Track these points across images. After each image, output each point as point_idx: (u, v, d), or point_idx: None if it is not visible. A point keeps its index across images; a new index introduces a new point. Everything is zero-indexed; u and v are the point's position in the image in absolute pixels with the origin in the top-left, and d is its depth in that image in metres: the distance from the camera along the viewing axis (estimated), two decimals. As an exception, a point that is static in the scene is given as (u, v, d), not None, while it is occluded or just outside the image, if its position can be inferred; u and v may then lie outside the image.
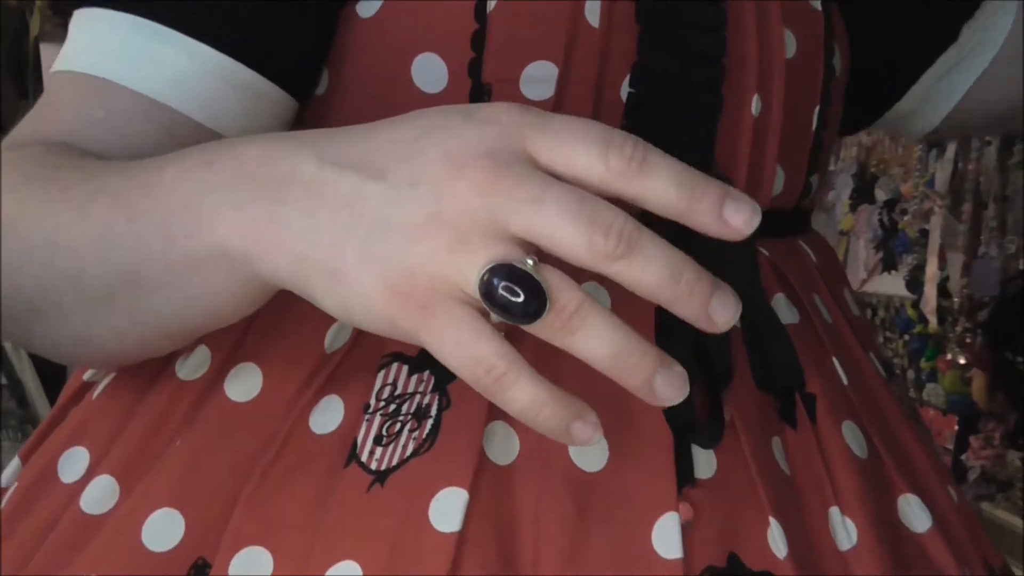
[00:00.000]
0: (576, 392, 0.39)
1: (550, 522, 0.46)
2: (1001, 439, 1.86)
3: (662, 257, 0.37)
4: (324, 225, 0.39)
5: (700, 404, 0.52)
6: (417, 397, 0.50)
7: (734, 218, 0.37)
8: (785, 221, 0.62)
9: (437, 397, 0.49)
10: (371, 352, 0.51)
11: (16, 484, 0.56)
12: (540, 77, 0.53)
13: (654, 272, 0.37)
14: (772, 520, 0.49)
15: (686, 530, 0.48)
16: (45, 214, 0.47)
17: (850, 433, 0.55)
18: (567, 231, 0.36)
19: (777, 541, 0.49)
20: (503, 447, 0.48)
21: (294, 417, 0.50)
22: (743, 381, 0.54)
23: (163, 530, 0.49)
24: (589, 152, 0.38)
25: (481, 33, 0.53)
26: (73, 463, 0.54)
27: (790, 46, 0.59)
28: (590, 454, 0.49)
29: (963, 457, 1.87)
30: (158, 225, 0.43)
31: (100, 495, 0.52)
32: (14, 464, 0.59)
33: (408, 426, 0.49)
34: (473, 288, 0.37)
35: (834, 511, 0.52)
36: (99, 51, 0.53)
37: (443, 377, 0.50)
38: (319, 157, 0.40)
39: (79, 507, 0.52)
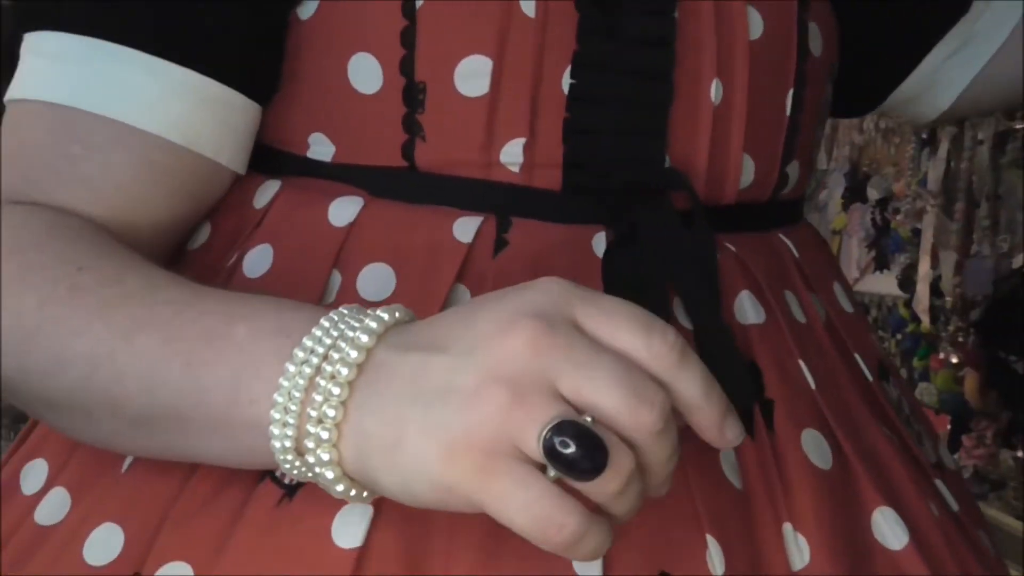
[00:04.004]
0: None
1: (465, 537, 0.45)
2: (994, 438, 1.86)
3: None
4: (388, 401, 0.40)
5: None
6: None
7: (728, 432, 0.42)
8: (759, 214, 0.59)
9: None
10: None
11: None
12: (474, 72, 0.51)
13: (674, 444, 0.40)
14: (710, 538, 0.47)
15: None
16: (81, 331, 0.46)
17: (812, 441, 0.52)
18: (614, 399, 0.38)
19: (714, 560, 0.47)
20: None
21: None
22: None
23: (104, 545, 0.49)
24: (634, 332, 0.40)
25: (411, 29, 0.52)
26: (34, 475, 0.54)
27: (755, 27, 0.56)
28: None
29: (956, 456, 1.87)
30: (223, 383, 0.43)
31: (53, 507, 0.52)
32: None
33: None
34: (533, 446, 0.38)
35: (787, 527, 0.49)
36: (60, 78, 0.52)
37: None
38: (389, 345, 0.41)
39: (33, 519, 0.52)
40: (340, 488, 0.42)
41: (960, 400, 1.89)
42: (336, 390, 0.40)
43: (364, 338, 0.41)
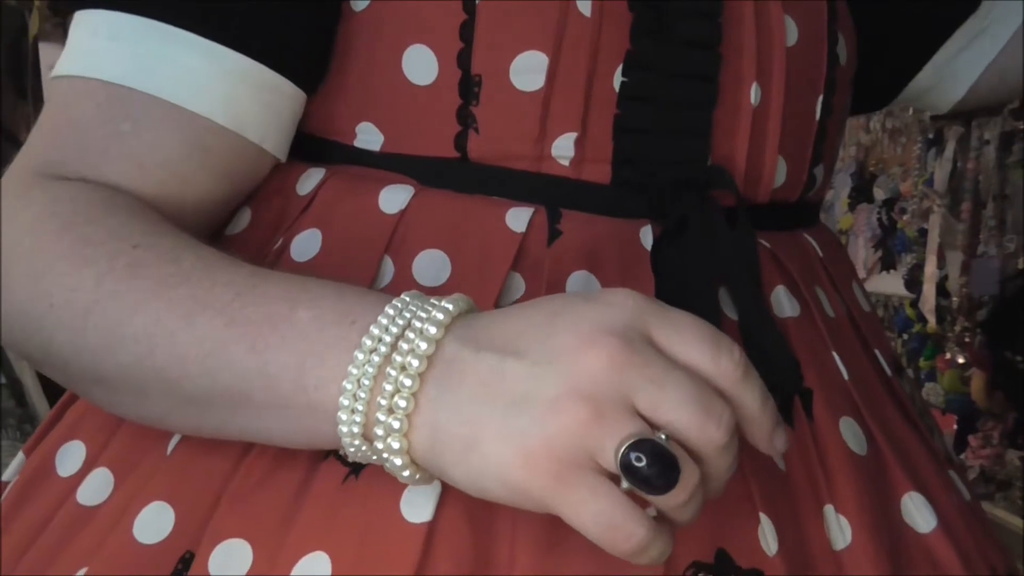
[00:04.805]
0: None
1: (529, 514, 0.46)
2: (1000, 438, 1.86)
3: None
4: (464, 400, 0.42)
5: None
6: None
7: (777, 441, 0.44)
8: (789, 213, 0.61)
9: None
10: None
11: (16, 479, 0.57)
12: (530, 67, 0.52)
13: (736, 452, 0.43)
14: (763, 516, 0.49)
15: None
16: (139, 308, 0.46)
17: (848, 429, 0.54)
18: (685, 415, 0.40)
19: (768, 538, 0.49)
20: None
21: None
22: None
23: (154, 523, 0.49)
24: (703, 349, 0.42)
25: (470, 23, 0.53)
26: (71, 457, 0.54)
27: (791, 33, 0.58)
28: None
29: (962, 456, 1.87)
30: (288, 368, 0.44)
31: (96, 487, 0.52)
32: (17, 459, 0.59)
33: None
34: (610, 460, 0.40)
35: (828, 509, 0.51)
36: (113, 56, 0.52)
37: None
38: (457, 338, 0.43)
39: (75, 500, 0.52)
40: (406, 474, 0.43)
41: (966, 400, 1.88)
42: (408, 382, 0.42)
43: (432, 330, 0.42)
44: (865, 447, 0.54)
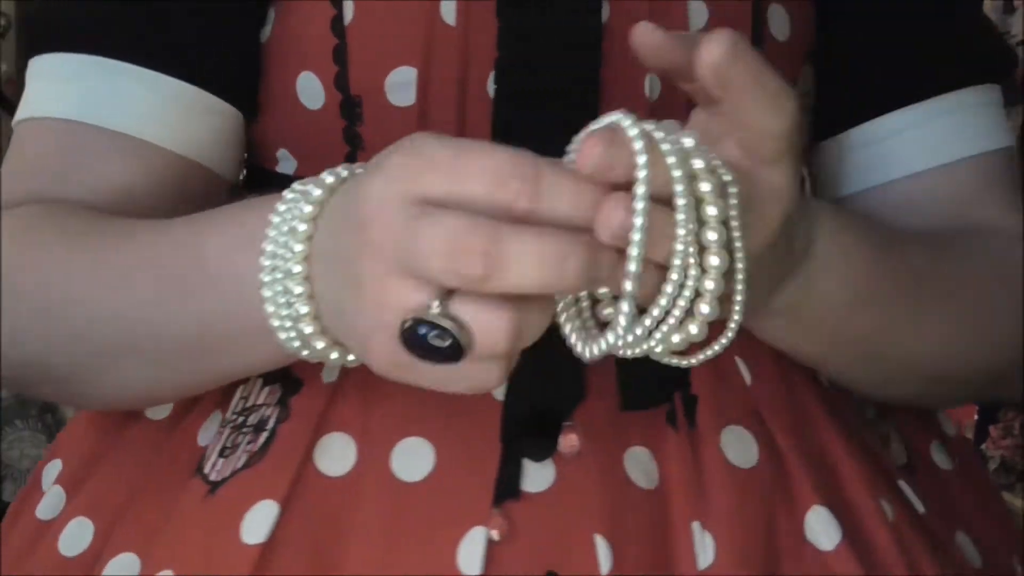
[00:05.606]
0: (406, 400, 0.46)
1: (367, 534, 0.48)
2: (1021, 429, 1.87)
3: (534, 262, 0.37)
4: (327, 290, 0.44)
5: (537, 415, 0.51)
6: (262, 409, 0.52)
7: (609, 222, 0.38)
8: None
9: (278, 410, 0.52)
10: None
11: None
12: (402, 83, 0.54)
13: (532, 276, 0.37)
14: (598, 537, 0.48)
15: (495, 545, 0.48)
16: (85, 296, 0.51)
17: (734, 439, 0.52)
18: (436, 264, 0.37)
19: (602, 559, 0.48)
20: (338, 458, 0.50)
21: (182, 432, 0.55)
22: (606, 393, 0.52)
23: (76, 537, 0.53)
24: (474, 191, 0.38)
25: (342, 47, 0.54)
26: (48, 474, 0.59)
27: (698, 16, 0.56)
28: (415, 463, 0.49)
29: (983, 446, 1.88)
30: (216, 304, 0.47)
31: (51, 505, 0.56)
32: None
33: (247, 438, 0.51)
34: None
35: (696, 525, 0.50)
36: (64, 95, 0.56)
37: (288, 390, 0.52)
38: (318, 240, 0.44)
39: (35, 515, 0.56)
40: (331, 353, 0.45)
41: (987, 390, 1.88)
42: (298, 288, 0.44)
43: (299, 246, 0.44)
44: (755, 459, 0.52)
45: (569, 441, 0.50)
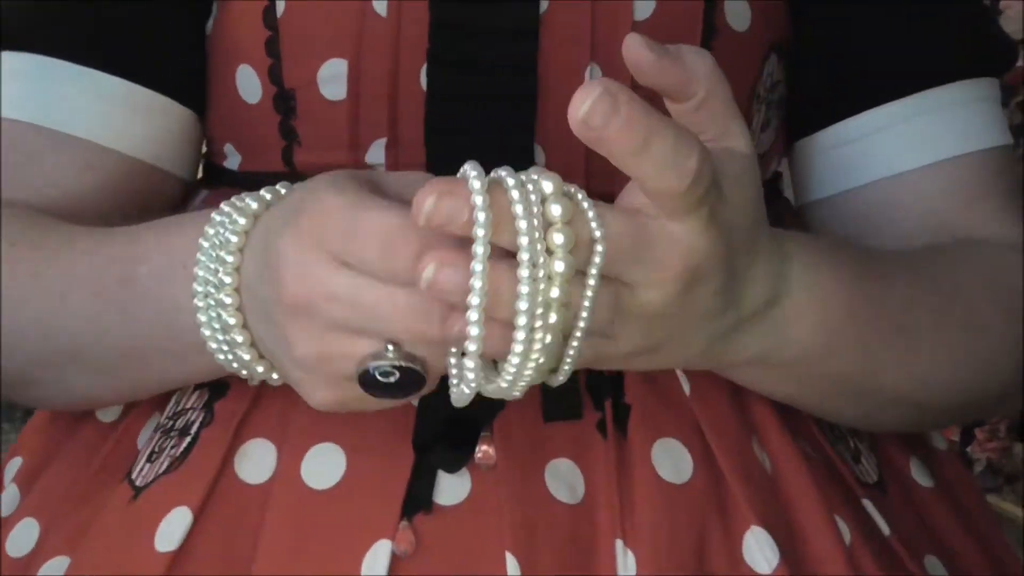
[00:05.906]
0: (313, 415, 0.45)
1: (276, 544, 0.47)
2: (1007, 431, 1.87)
3: (399, 320, 0.40)
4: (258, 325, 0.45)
5: (452, 424, 0.50)
6: (189, 413, 0.52)
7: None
8: None
9: (203, 415, 0.51)
10: None
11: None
12: (333, 76, 0.53)
13: (398, 332, 0.40)
14: (508, 555, 0.46)
15: (400, 561, 0.46)
16: (24, 302, 0.51)
17: (667, 453, 0.50)
18: (348, 325, 0.41)
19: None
20: (257, 465, 0.50)
21: (123, 434, 0.55)
22: (529, 403, 0.50)
23: (23, 538, 0.53)
24: (370, 253, 0.39)
25: (275, 39, 0.54)
26: (10, 471, 0.58)
27: (643, 7, 0.53)
28: (325, 470, 0.49)
29: (968, 449, 1.87)
30: (154, 322, 0.48)
31: (8, 501, 0.56)
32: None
33: (172, 443, 0.51)
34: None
35: (618, 543, 0.47)
36: (10, 94, 0.55)
37: (215, 394, 0.52)
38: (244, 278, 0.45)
39: None
40: (260, 369, 0.46)
41: (973, 393, 1.88)
42: (232, 320, 0.44)
43: (228, 279, 0.44)
44: (689, 474, 0.50)
45: (485, 452, 0.49)
